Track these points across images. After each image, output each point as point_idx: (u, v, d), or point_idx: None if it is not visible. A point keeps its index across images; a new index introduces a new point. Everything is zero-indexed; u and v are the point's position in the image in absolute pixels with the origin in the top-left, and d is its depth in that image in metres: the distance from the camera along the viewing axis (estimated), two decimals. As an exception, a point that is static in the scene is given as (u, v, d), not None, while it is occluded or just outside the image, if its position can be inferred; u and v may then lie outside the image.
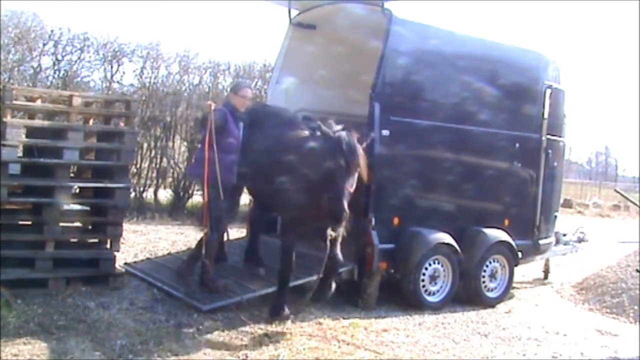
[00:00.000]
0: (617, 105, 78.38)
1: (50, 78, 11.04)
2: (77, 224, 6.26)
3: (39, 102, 6.41)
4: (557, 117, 7.72)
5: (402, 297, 6.40)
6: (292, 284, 5.62)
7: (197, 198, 10.89)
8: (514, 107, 7.23)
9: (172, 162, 11.52)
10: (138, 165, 10.82)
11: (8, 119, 5.48)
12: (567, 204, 21.89)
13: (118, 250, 6.07)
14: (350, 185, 4.72)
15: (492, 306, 6.80)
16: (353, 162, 4.74)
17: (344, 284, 6.12)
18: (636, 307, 6.99)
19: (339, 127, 5.01)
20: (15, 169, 5.75)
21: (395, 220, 6.31)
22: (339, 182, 4.69)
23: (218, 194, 5.54)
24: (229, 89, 11.82)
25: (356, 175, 4.79)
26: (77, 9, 40.25)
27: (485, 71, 7.03)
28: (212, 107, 5.59)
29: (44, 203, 5.62)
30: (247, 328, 5.19)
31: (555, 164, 7.66)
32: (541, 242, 7.55)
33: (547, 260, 8.53)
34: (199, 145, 6.06)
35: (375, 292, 6.25)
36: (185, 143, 11.51)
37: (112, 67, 11.31)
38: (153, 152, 11.21)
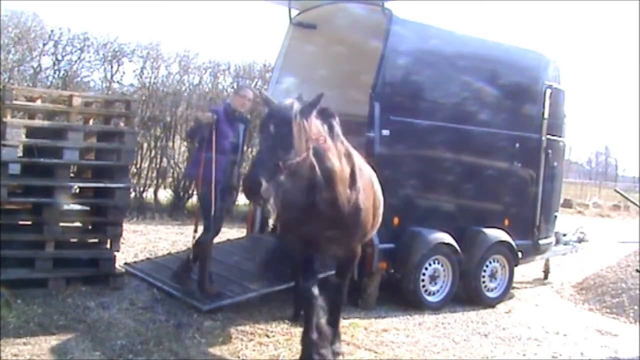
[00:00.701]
0: (617, 105, 78.51)
1: (50, 78, 11.05)
2: (77, 224, 6.26)
3: (39, 102, 6.42)
4: (557, 117, 7.72)
5: (402, 297, 6.40)
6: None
7: (197, 198, 10.91)
8: (514, 107, 7.23)
9: (172, 162, 11.53)
10: (138, 165, 10.83)
11: (8, 119, 5.48)
12: (567, 204, 21.89)
13: (118, 250, 6.07)
14: (281, 157, 3.77)
15: (492, 306, 6.80)
16: (279, 128, 3.85)
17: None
18: (636, 307, 6.98)
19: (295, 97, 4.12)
20: (15, 169, 5.75)
21: (395, 220, 6.29)
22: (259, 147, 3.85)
23: (210, 194, 5.51)
24: (229, 89, 11.89)
25: (294, 144, 3.84)
26: (77, 9, 40.28)
27: (485, 71, 7.03)
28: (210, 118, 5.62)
29: (44, 203, 5.62)
30: (247, 328, 5.19)
31: (555, 164, 7.65)
32: (541, 242, 7.55)
33: (547, 260, 8.53)
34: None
35: (375, 292, 6.25)
36: (185, 143, 11.52)
37: (112, 67, 11.33)
38: (153, 152, 11.22)
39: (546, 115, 7.40)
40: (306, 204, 4.11)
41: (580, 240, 9.06)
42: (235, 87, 11.58)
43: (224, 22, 74.89)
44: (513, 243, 6.94)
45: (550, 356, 5.38)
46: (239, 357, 4.62)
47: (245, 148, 5.87)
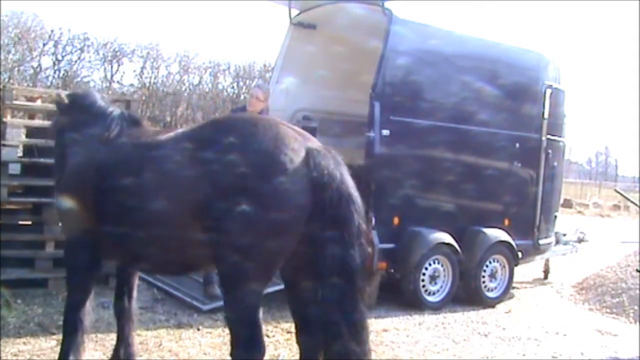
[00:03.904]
0: (617, 105, 78.60)
1: (50, 78, 11.09)
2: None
3: (39, 102, 6.41)
4: (557, 117, 7.71)
5: (402, 297, 6.40)
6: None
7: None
8: (514, 107, 7.22)
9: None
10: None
11: (8, 119, 5.49)
12: (567, 204, 21.90)
13: (118, 250, 6.06)
14: None
15: (492, 306, 6.80)
16: None
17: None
18: (636, 307, 6.98)
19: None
20: (15, 169, 5.75)
21: (395, 220, 6.30)
22: None
23: None
24: (229, 89, 11.91)
25: None
26: (77, 9, 40.23)
27: (485, 71, 7.02)
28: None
29: (44, 203, 5.62)
30: (247, 328, 5.17)
31: (555, 164, 7.65)
32: (541, 242, 7.55)
33: (547, 260, 8.52)
34: None
35: (375, 292, 6.25)
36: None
37: (112, 67, 11.39)
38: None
39: (546, 115, 7.40)
40: None
41: (580, 240, 9.06)
42: (234, 87, 11.61)
43: (224, 22, 74.82)
44: (513, 243, 6.94)
45: (550, 356, 5.37)
46: (239, 357, 4.61)
47: None
